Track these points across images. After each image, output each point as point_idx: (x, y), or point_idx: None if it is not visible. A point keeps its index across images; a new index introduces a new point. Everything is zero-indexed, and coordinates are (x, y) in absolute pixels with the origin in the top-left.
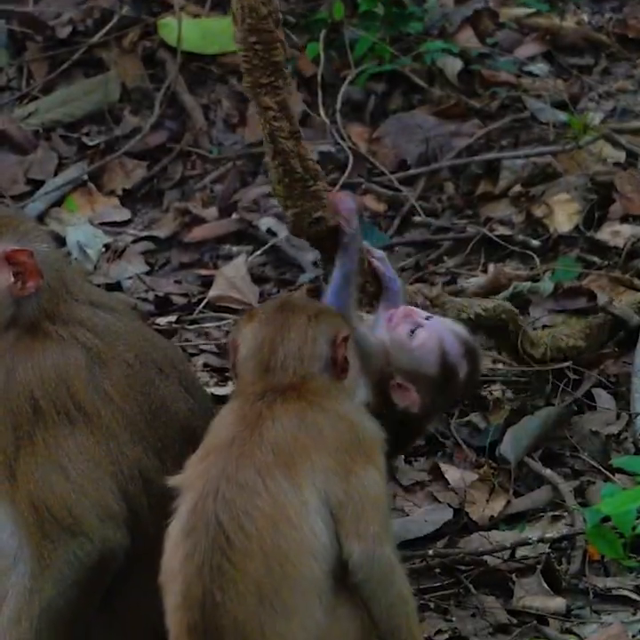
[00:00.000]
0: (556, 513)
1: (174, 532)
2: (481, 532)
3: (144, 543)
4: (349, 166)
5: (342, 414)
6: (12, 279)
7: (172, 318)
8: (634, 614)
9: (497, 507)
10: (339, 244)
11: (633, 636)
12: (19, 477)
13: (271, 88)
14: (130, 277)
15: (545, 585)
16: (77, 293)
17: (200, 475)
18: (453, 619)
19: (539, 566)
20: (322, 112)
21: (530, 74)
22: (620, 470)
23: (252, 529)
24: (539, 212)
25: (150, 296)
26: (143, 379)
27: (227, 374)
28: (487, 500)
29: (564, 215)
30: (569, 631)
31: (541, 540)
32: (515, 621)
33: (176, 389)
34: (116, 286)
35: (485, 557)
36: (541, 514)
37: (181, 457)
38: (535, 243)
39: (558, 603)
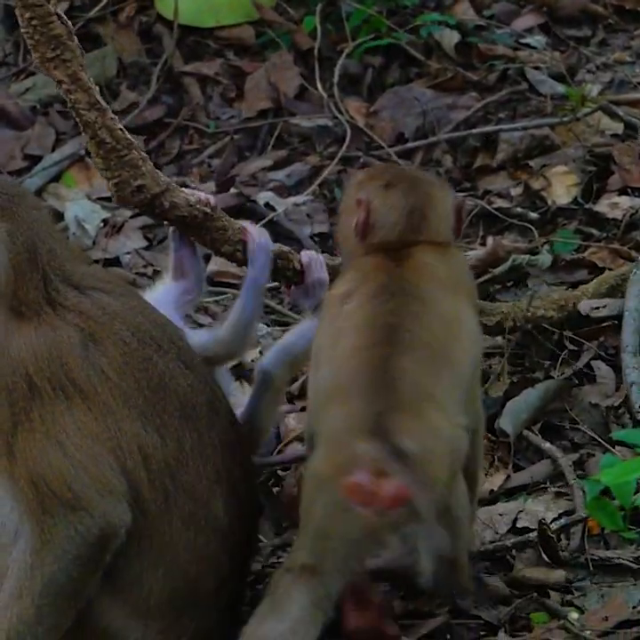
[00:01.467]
0: (556, 488)
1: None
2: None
3: (145, 520)
4: (347, 140)
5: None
6: None
7: None
8: (634, 585)
9: (497, 481)
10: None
11: (633, 607)
12: (17, 453)
13: (60, 61)
14: (128, 253)
15: (545, 557)
16: (65, 277)
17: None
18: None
19: (537, 539)
20: (319, 86)
21: (527, 46)
22: (621, 443)
23: (424, 326)
24: (537, 184)
25: (149, 271)
26: (141, 356)
27: None
28: (487, 474)
29: (562, 187)
30: (570, 603)
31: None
32: (516, 593)
33: (175, 365)
34: (114, 262)
35: (485, 531)
36: (542, 487)
37: (181, 432)
38: (533, 215)
39: (558, 574)
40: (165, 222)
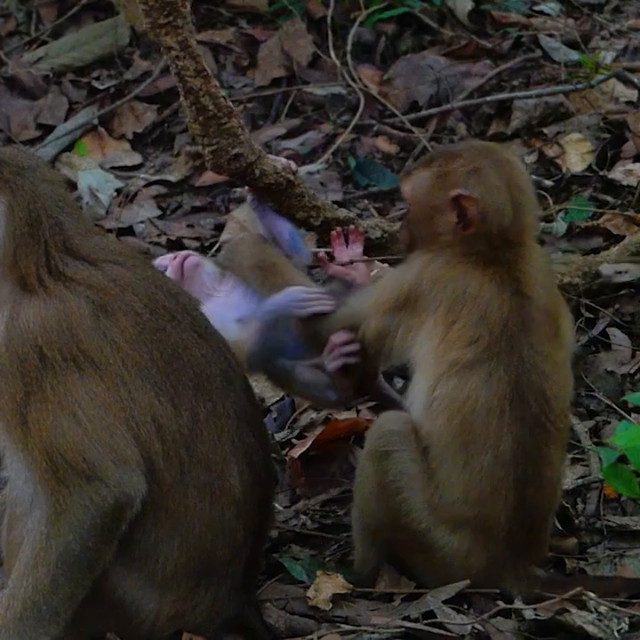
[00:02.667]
0: (573, 455)
1: (489, 398)
2: None
3: (160, 491)
4: (361, 108)
5: None
6: None
7: None
8: None
9: None
10: None
11: None
12: (30, 424)
13: (171, 28)
14: (142, 222)
15: (558, 525)
16: (73, 249)
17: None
18: None
19: None
20: (332, 54)
21: (541, 13)
22: (637, 409)
23: (556, 392)
24: (551, 152)
25: (163, 240)
26: (154, 326)
27: None
28: None
29: (576, 155)
30: (582, 571)
31: None
32: None
33: (189, 336)
34: (128, 231)
35: None
36: None
37: (195, 403)
38: (548, 183)
39: (571, 542)
40: (249, 189)
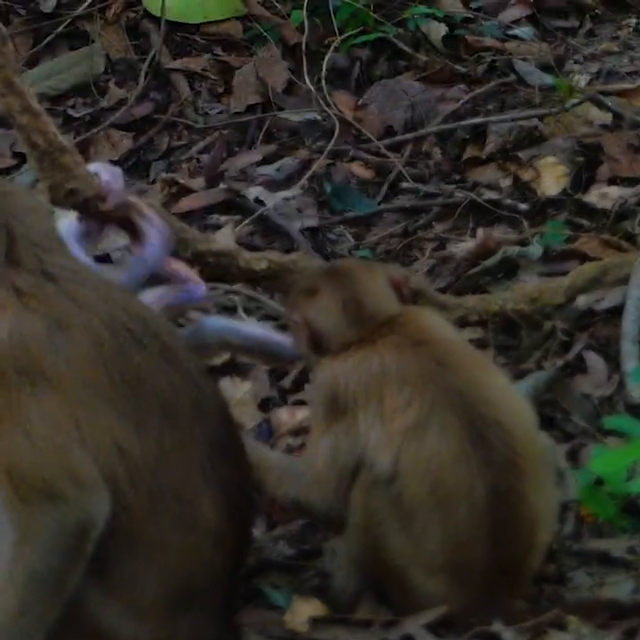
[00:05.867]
0: None
1: (451, 447)
2: None
3: (131, 519)
4: (336, 134)
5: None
6: None
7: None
8: (626, 578)
9: None
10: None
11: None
12: None
13: None
14: (119, 249)
15: None
16: (32, 267)
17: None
18: None
19: None
20: (307, 80)
21: (515, 37)
22: (612, 433)
23: (513, 418)
24: (526, 175)
25: None
26: (114, 348)
27: None
28: None
29: (551, 178)
30: (560, 597)
31: None
32: None
33: (155, 363)
34: (105, 258)
35: None
36: None
37: (160, 431)
38: (523, 206)
39: (551, 568)
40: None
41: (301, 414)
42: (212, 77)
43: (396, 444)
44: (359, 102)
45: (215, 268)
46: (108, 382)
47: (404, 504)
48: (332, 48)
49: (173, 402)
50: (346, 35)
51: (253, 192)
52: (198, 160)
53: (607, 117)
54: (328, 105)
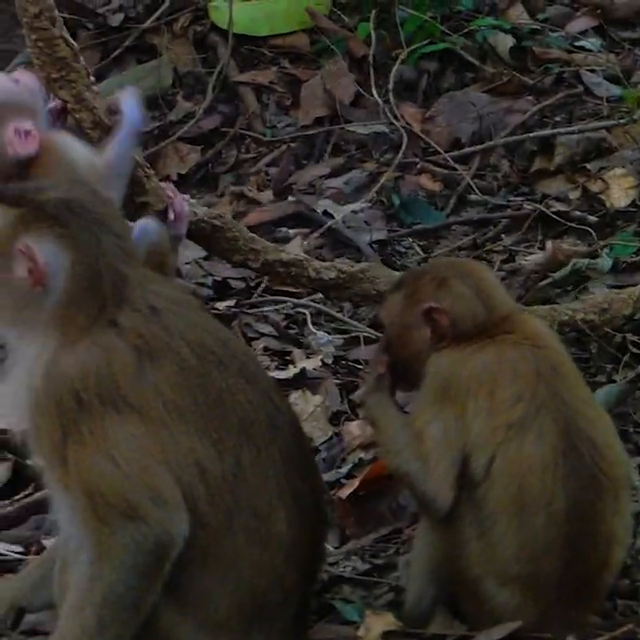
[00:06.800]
0: None
1: (544, 452)
2: None
3: (208, 536)
4: (403, 146)
5: None
6: (26, 274)
7: (231, 303)
8: None
9: None
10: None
11: None
12: (70, 465)
13: (65, 82)
14: (187, 263)
15: None
16: (128, 298)
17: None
18: None
19: None
20: (374, 92)
21: (582, 49)
22: None
23: (605, 439)
24: (595, 187)
25: (208, 281)
26: (199, 372)
27: (287, 358)
28: None
29: (620, 190)
30: (633, 611)
31: None
32: None
33: (235, 381)
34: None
35: None
36: None
37: (238, 448)
38: (592, 218)
39: (623, 584)
40: None
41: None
42: (280, 90)
43: (497, 441)
44: (427, 114)
45: (285, 278)
46: (191, 404)
47: (487, 508)
48: (399, 60)
49: (251, 419)
50: (413, 47)
51: (322, 205)
52: (266, 173)
53: None
54: (395, 117)
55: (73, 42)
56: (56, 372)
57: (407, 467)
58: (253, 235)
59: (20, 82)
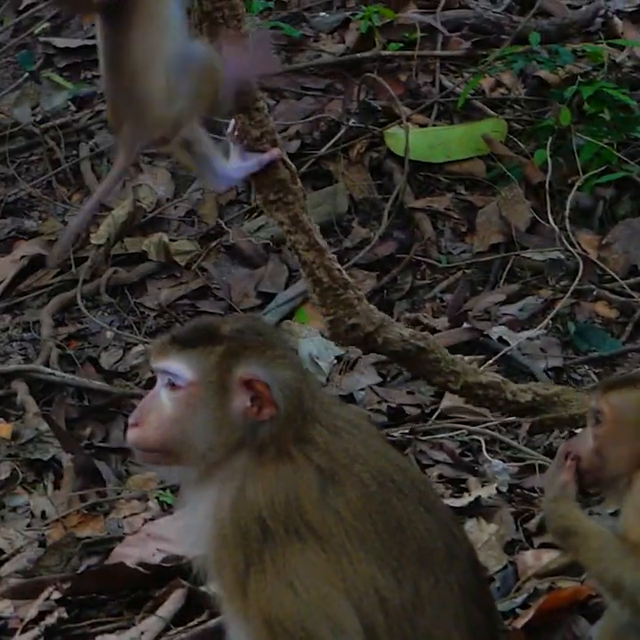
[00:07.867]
0: None
1: None
2: None
3: None
4: (579, 273)
5: None
6: (249, 403)
7: (406, 429)
8: None
9: None
10: None
11: None
12: (250, 595)
13: (282, 204)
14: (362, 389)
15: None
16: (317, 416)
17: None
18: None
19: None
20: (550, 219)
21: None
22: None
23: None
24: None
25: (383, 407)
26: (380, 499)
27: (461, 485)
28: None
29: None
30: None
31: None
32: None
33: (414, 510)
34: (348, 398)
35: None
36: None
37: (417, 577)
38: None
39: None
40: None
41: (547, 557)
42: (455, 217)
43: None
44: (603, 241)
45: (483, 400)
46: (372, 532)
47: None
48: (575, 187)
49: (430, 547)
50: (589, 174)
51: (497, 331)
52: (441, 299)
53: None
54: (572, 244)
55: (291, 163)
56: (244, 501)
57: (632, 577)
58: (454, 357)
59: None
